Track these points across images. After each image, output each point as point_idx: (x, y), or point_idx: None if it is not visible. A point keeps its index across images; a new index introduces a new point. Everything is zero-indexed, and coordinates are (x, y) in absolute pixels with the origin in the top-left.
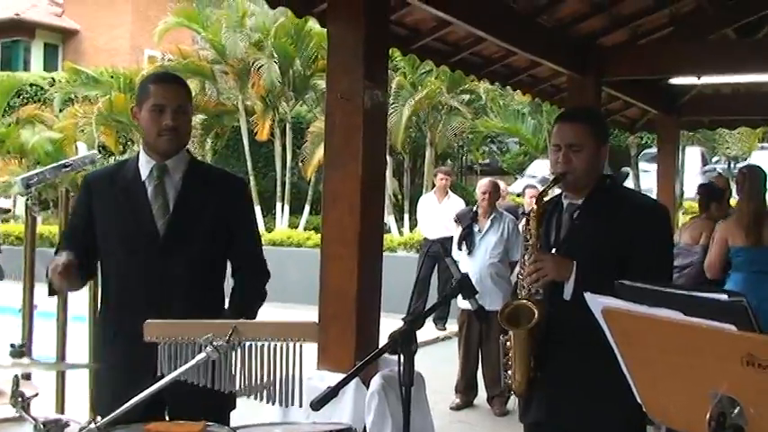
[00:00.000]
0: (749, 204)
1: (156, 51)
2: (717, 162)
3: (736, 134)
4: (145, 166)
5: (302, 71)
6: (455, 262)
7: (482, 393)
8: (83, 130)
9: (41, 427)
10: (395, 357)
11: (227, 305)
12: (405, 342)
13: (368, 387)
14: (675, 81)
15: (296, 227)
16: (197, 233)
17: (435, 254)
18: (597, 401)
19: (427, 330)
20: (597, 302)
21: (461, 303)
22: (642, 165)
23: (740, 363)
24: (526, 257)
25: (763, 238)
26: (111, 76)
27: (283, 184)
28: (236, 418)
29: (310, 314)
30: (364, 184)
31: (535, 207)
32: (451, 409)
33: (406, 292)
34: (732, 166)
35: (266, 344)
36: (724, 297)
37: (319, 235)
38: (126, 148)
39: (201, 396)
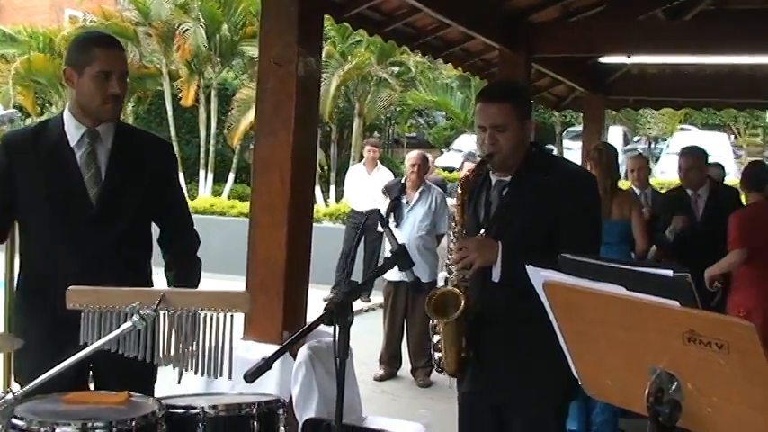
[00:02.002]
0: (606, 180)
1: (77, 11)
2: (638, 141)
3: (658, 115)
4: (74, 131)
5: (229, 36)
6: (392, 233)
7: (406, 365)
8: None
9: None
10: (322, 328)
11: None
12: (340, 313)
13: (294, 357)
14: (605, 60)
15: (219, 195)
16: (129, 203)
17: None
18: (529, 374)
19: None
20: (539, 276)
21: (387, 274)
22: (566, 143)
23: (681, 339)
24: (452, 244)
25: (613, 213)
26: (30, 36)
27: (207, 151)
28: (158, 388)
29: (233, 284)
30: (295, 152)
31: (460, 192)
32: (375, 379)
33: (331, 264)
34: (652, 145)
35: (195, 313)
36: (668, 273)
37: (244, 203)
38: (43, 110)
39: (125, 366)
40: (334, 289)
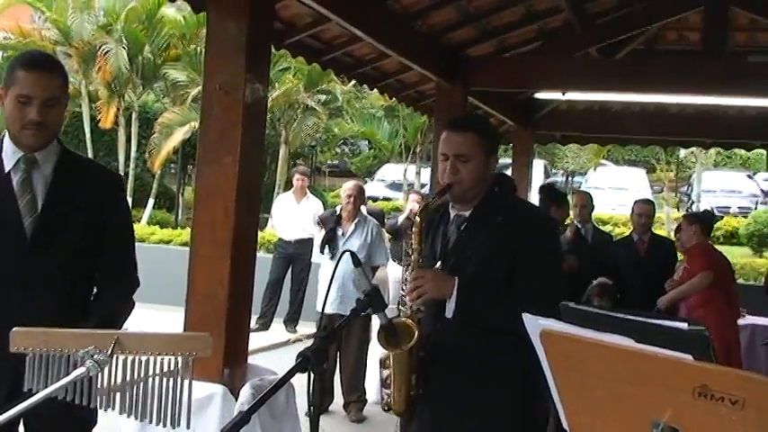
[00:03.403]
0: None
1: None
2: (555, 175)
3: (577, 150)
4: (10, 156)
5: (152, 59)
6: (365, 273)
7: (338, 399)
8: None
9: None
10: (264, 365)
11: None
12: (317, 360)
13: (236, 397)
14: (541, 96)
15: (138, 221)
16: (67, 234)
17: (290, 255)
18: (483, 414)
19: (278, 333)
20: (536, 324)
21: (324, 307)
22: None
23: (692, 394)
24: (407, 274)
25: None
26: None
27: (126, 174)
28: None
29: (155, 313)
30: (241, 182)
31: (417, 220)
32: (306, 415)
33: (257, 294)
34: (570, 179)
35: (152, 358)
36: (684, 326)
37: (164, 230)
38: None
39: (63, 409)
40: (260, 320)
